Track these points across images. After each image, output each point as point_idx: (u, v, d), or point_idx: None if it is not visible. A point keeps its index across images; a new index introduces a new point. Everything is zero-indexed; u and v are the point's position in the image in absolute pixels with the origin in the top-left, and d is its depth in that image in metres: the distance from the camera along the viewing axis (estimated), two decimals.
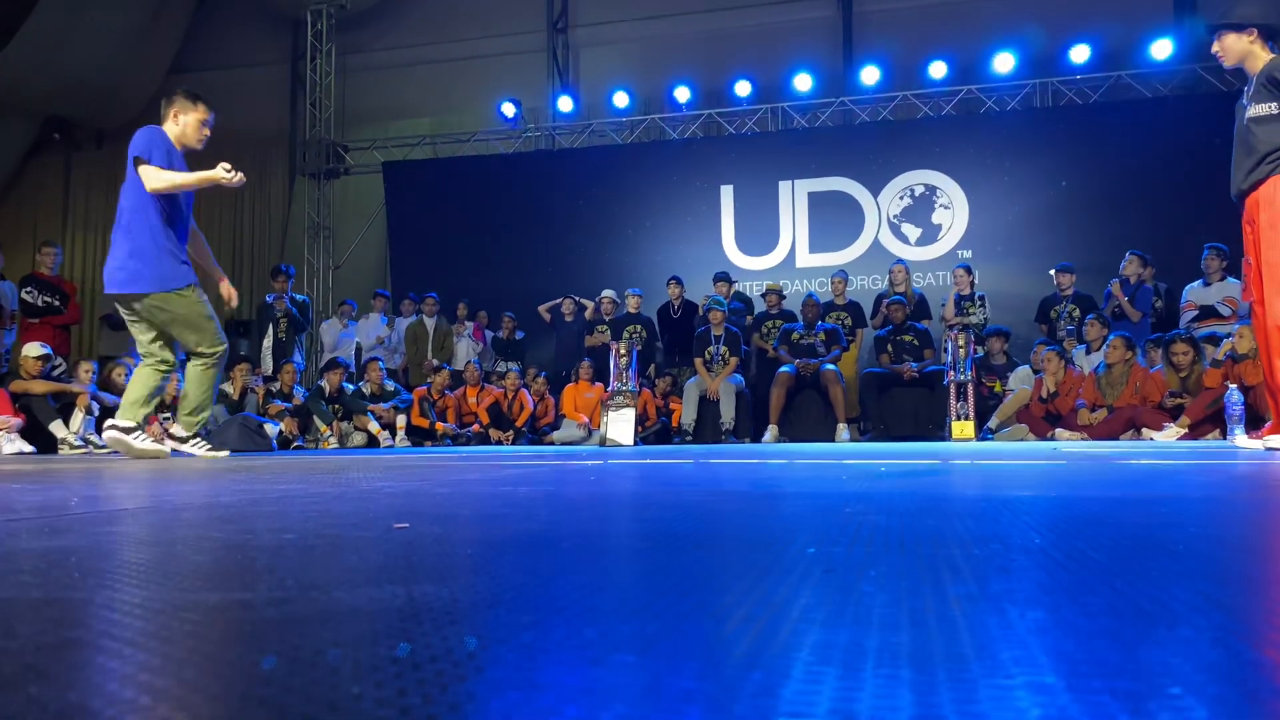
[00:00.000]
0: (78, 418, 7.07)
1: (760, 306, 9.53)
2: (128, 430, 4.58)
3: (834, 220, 10.70)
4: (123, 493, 2.00)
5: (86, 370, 7.44)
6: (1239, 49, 3.84)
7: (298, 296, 9.48)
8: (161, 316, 4.56)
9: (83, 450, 6.89)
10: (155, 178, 4.43)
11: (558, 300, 10.09)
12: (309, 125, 12.59)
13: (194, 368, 4.72)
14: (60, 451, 6.86)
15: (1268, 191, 3.76)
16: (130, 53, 12.35)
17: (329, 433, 8.20)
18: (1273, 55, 3.74)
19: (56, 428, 6.98)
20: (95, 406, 7.22)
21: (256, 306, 8.80)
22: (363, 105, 13.05)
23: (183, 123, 4.66)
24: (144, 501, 1.76)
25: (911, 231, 10.51)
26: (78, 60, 11.78)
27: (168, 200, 4.53)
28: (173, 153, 4.59)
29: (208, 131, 4.73)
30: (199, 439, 4.81)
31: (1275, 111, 3.69)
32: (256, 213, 13.14)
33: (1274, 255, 3.73)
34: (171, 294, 4.53)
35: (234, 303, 4.98)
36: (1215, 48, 3.93)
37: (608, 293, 9.82)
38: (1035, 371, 7.72)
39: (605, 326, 9.56)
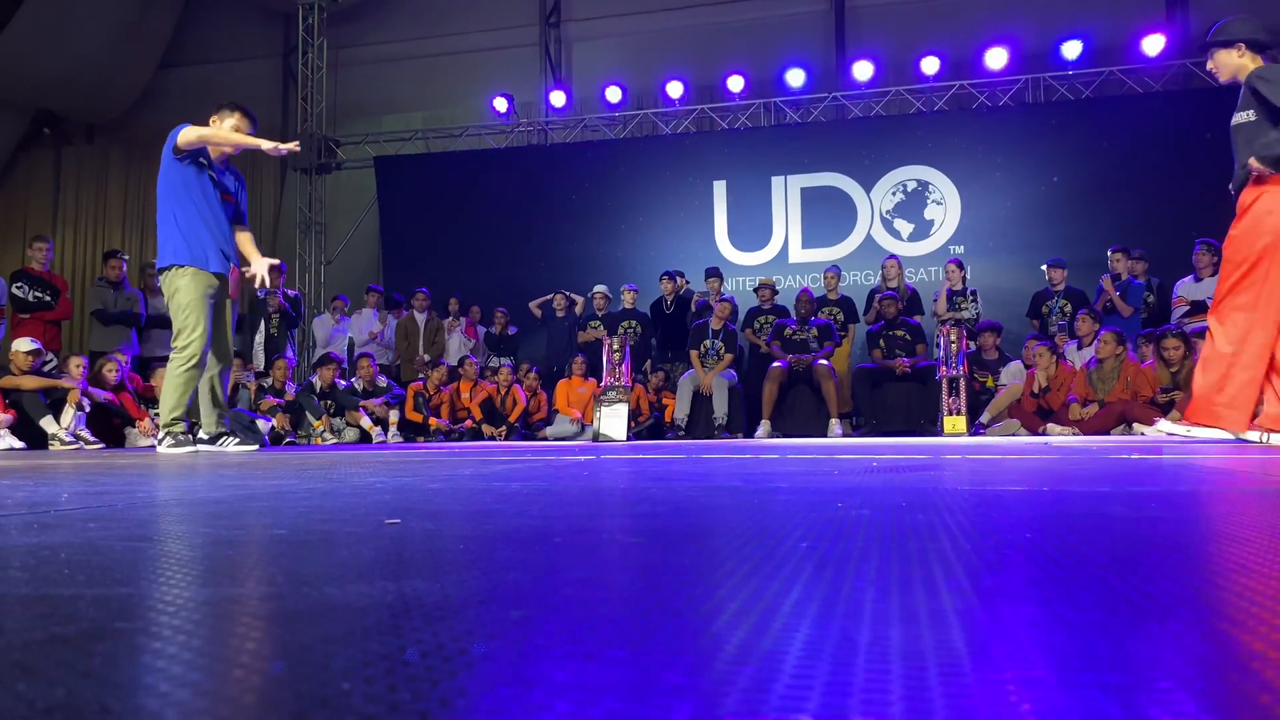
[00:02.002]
0: (68, 413, 7.04)
1: (752, 302, 9.53)
2: (211, 440, 4.98)
3: (826, 216, 10.71)
4: (114, 489, 2.00)
5: (77, 366, 7.41)
6: (1231, 64, 4.04)
7: (290, 292, 9.45)
8: (168, 294, 4.79)
9: (73, 446, 6.86)
10: (185, 135, 4.70)
11: (548, 296, 10.08)
12: (300, 120, 12.54)
13: (168, 365, 4.80)
14: (51, 448, 6.83)
15: (1245, 198, 3.97)
16: (120, 46, 12.29)
17: (321, 428, 8.19)
18: (1259, 65, 3.93)
19: (47, 423, 6.95)
20: (86, 402, 7.19)
21: (248, 302, 8.77)
22: (355, 100, 13.01)
23: (219, 128, 4.88)
24: (135, 497, 1.76)
25: (904, 227, 10.53)
26: (68, 54, 11.71)
27: (186, 190, 4.76)
28: (204, 148, 4.83)
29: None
30: (173, 438, 4.80)
31: (1253, 119, 3.87)
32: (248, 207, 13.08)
33: (1231, 253, 3.99)
34: (168, 269, 4.77)
35: (250, 282, 5.13)
36: (1210, 65, 4.14)
37: (600, 288, 9.81)
38: (1027, 366, 7.74)
39: (598, 322, 9.55)
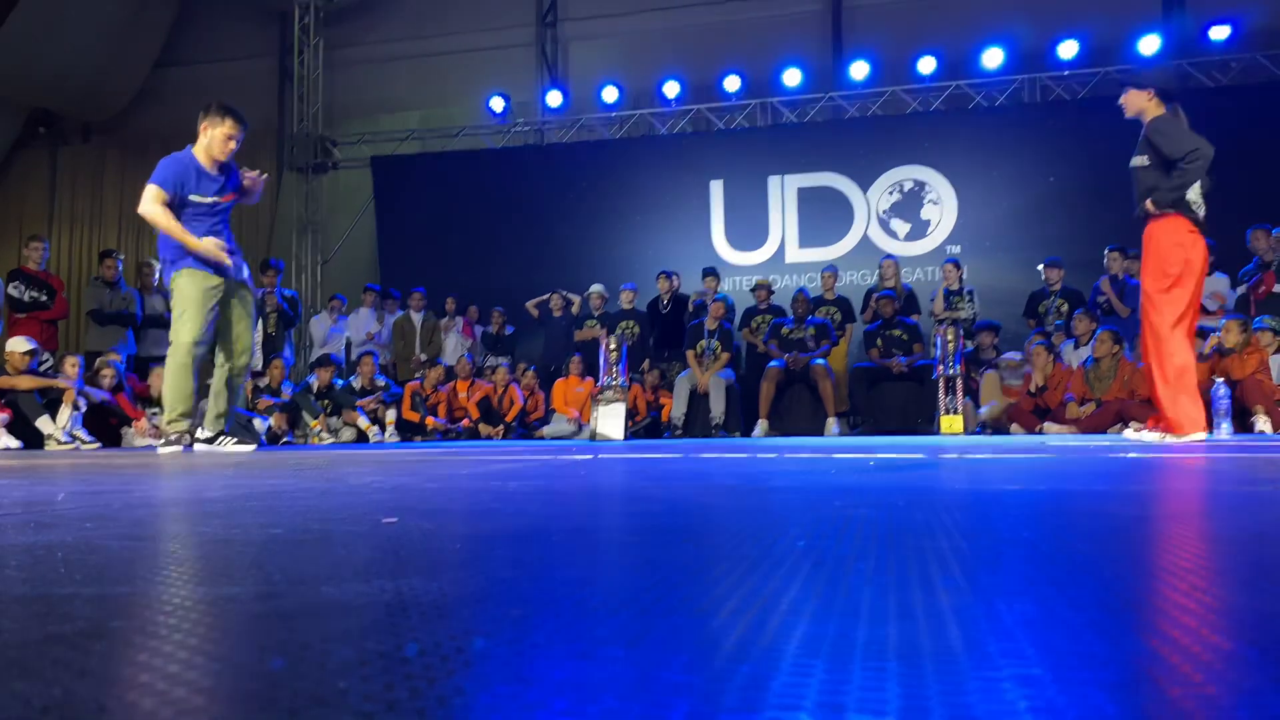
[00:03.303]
0: (64, 413, 7.02)
1: (749, 302, 9.53)
2: (210, 440, 4.97)
3: (823, 215, 10.71)
4: (110, 488, 1.99)
5: (73, 365, 7.39)
6: (1138, 104, 4.57)
7: (287, 291, 9.44)
8: (174, 296, 4.86)
9: (70, 446, 6.85)
10: (144, 203, 4.74)
11: (545, 295, 10.07)
12: (296, 119, 12.52)
13: (167, 361, 4.83)
14: (47, 447, 6.82)
15: (1148, 231, 4.48)
16: (116, 46, 12.26)
17: (318, 428, 8.18)
18: (1161, 113, 4.44)
19: (43, 423, 6.93)
20: (82, 402, 7.18)
21: None
22: (351, 99, 12.98)
23: (210, 135, 4.90)
24: (132, 497, 1.75)
25: (900, 227, 10.53)
26: (64, 53, 11.69)
27: (180, 206, 4.80)
28: (191, 176, 4.82)
29: (233, 145, 4.94)
30: (175, 437, 4.80)
31: (1147, 164, 4.44)
32: (243, 207, 13.05)
33: (1147, 285, 4.47)
34: (174, 274, 4.84)
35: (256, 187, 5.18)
36: (1121, 100, 4.69)
37: (596, 287, 9.81)
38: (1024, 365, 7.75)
39: (595, 321, 9.55)
